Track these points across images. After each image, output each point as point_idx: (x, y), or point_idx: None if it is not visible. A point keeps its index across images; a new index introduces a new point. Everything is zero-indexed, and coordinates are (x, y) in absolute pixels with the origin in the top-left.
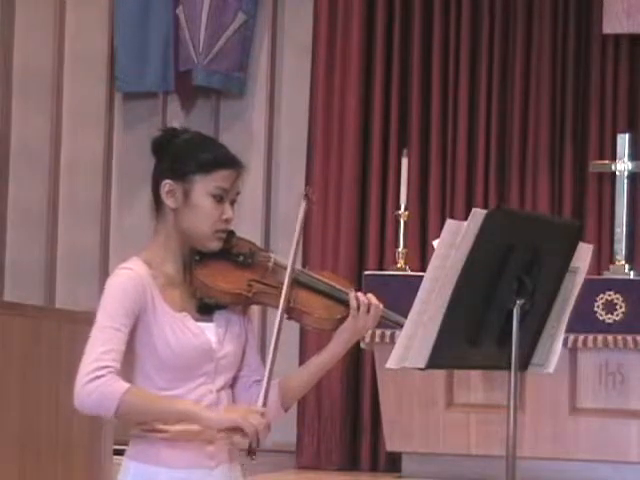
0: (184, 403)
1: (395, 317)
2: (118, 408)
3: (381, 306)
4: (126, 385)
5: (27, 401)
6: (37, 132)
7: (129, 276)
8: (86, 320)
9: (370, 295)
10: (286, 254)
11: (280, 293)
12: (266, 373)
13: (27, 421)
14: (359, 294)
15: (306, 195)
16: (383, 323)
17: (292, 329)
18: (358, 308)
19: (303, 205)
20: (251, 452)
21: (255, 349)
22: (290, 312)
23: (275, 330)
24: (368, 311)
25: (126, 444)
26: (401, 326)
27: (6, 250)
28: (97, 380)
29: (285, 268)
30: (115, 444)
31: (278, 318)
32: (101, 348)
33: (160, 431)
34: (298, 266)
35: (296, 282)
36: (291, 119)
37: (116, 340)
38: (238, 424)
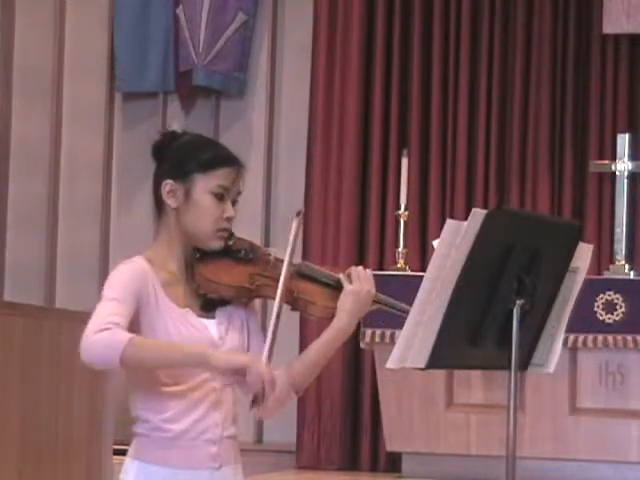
0: (190, 346)
1: (392, 301)
2: (123, 354)
3: (368, 270)
4: (131, 334)
5: (27, 401)
6: (37, 132)
7: (132, 267)
8: (86, 320)
9: (360, 267)
10: (285, 251)
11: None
12: (270, 329)
13: (27, 421)
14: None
15: (298, 213)
16: (381, 316)
17: (292, 320)
18: (349, 277)
19: (295, 223)
20: (255, 401)
21: (260, 342)
22: (294, 303)
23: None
24: (360, 277)
25: (126, 444)
26: (399, 310)
27: (6, 250)
28: (103, 332)
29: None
30: (115, 444)
31: (278, 297)
32: (108, 311)
33: (164, 430)
34: (298, 260)
35: (298, 274)
36: (291, 119)
37: (122, 309)
38: (245, 366)
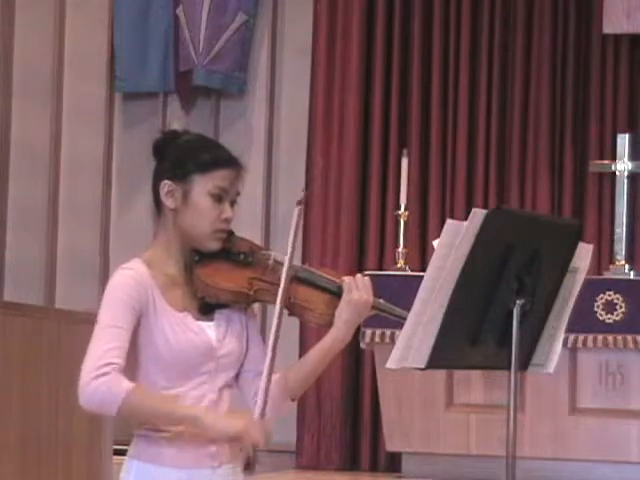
0: (187, 408)
1: (390, 307)
2: (121, 408)
3: (367, 278)
4: (130, 385)
5: (27, 401)
6: (37, 132)
7: (130, 276)
8: (86, 320)
9: (358, 275)
10: (285, 252)
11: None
12: (263, 379)
13: (27, 421)
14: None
15: (299, 202)
16: (381, 317)
17: (292, 326)
18: (348, 286)
19: (296, 211)
20: (248, 466)
21: (259, 344)
22: (291, 308)
23: (272, 332)
24: (358, 286)
25: (126, 444)
26: (397, 316)
27: (6, 250)
28: (101, 377)
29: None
30: (115, 444)
31: (274, 325)
32: (105, 346)
33: (163, 430)
34: (298, 263)
35: (296, 278)
36: (291, 119)
37: (119, 338)
38: (239, 435)
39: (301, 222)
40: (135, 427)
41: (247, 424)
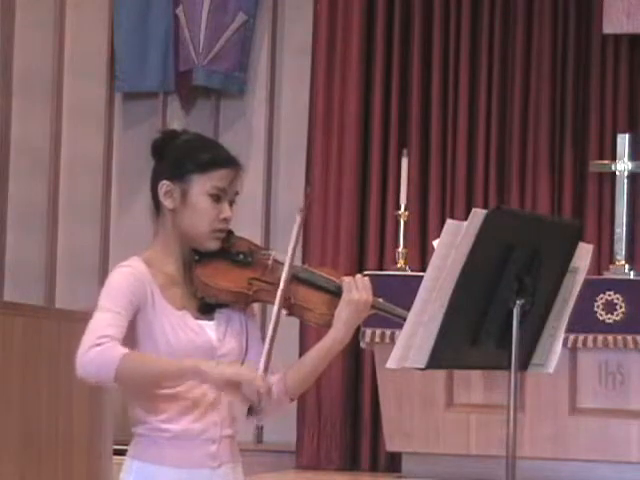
0: (185, 360)
1: (390, 307)
2: (118, 371)
3: (366, 278)
4: (125, 350)
5: (27, 401)
6: (37, 132)
7: (129, 272)
8: (86, 320)
9: (358, 275)
10: (285, 252)
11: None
12: (267, 339)
13: (27, 421)
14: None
15: (301, 209)
16: (381, 316)
17: (291, 325)
18: (347, 286)
19: (298, 219)
20: (251, 411)
21: (259, 344)
22: (291, 309)
23: (275, 310)
24: (357, 286)
25: (126, 444)
26: (396, 316)
27: (6, 250)
28: (98, 347)
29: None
30: (115, 444)
31: (276, 305)
32: (104, 323)
33: (163, 430)
34: (298, 263)
35: (296, 278)
36: (291, 119)
37: (117, 320)
38: (239, 378)
39: (301, 229)
40: (136, 425)
41: (248, 370)
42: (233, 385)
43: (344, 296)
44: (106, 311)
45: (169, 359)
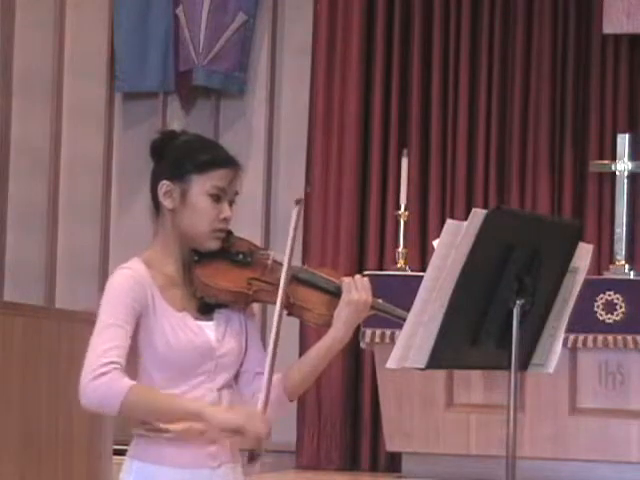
0: (189, 402)
1: (389, 308)
2: (122, 406)
3: (366, 279)
4: (130, 383)
5: (27, 401)
6: (37, 132)
7: (129, 275)
8: (86, 320)
9: (357, 275)
10: (285, 253)
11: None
12: (265, 376)
13: (27, 421)
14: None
15: (298, 201)
16: (381, 317)
17: (292, 325)
18: (347, 286)
19: (295, 211)
20: (253, 458)
21: (258, 344)
22: (290, 309)
23: (273, 332)
24: (357, 287)
25: (126, 444)
26: (396, 316)
27: (6, 250)
28: (102, 377)
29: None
30: (115, 444)
31: (275, 322)
32: (105, 345)
33: (163, 430)
34: (298, 263)
35: (295, 279)
36: (291, 119)
37: (120, 336)
38: (241, 428)
39: (300, 222)
40: (135, 426)
41: (250, 416)
42: (237, 434)
43: (344, 296)
44: (108, 327)
45: (174, 398)
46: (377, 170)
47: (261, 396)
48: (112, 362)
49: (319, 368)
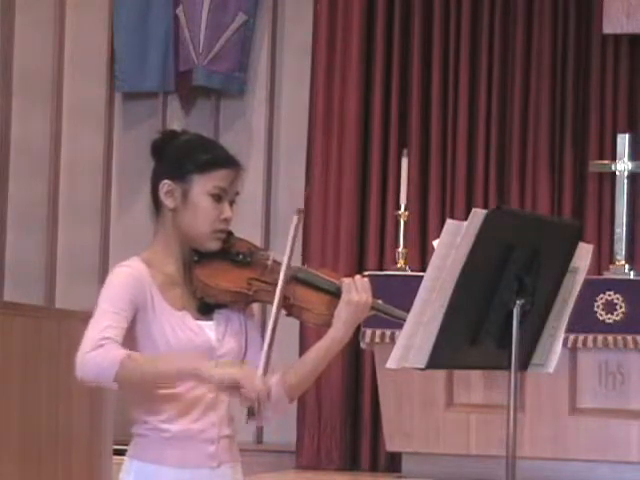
0: (185, 362)
1: (389, 308)
2: (118, 372)
3: (366, 279)
4: (125, 351)
5: (27, 401)
6: (37, 132)
7: (128, 273)
8: (86, 320)
9: (357, 276)
10: (284, 253)
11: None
12: (266, 341)
13: (27, 421)
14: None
15: (298, 212)
16: (380, 318)
17: (292, 326)
18: (347, 286)
19: (295, 220)
20: (252, 412)
21: (257, 344)
22: (290, 309)
23: (273, 312)
24: (357, 287)
25: (126, 444)
26: (395, 317)
27: (6, 250)
28: (98, 348)
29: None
30: (115, 444)
31: (274, 308)
32: (104, 324)
33: (162, 430)
34: (297, 264)
35: (295, 279)
36: (291, 119)
37: (117, 320)
38: (240, 381)
39: (300, 230)
40: (135, 425)
41: (248, 372)
42: (232, 387)
43: (343, 297)
44: (106, 312)
45: (169, 359)
46: (377, 170)
47: (261, 361)
48: (107, 337)
49: (319, 368)
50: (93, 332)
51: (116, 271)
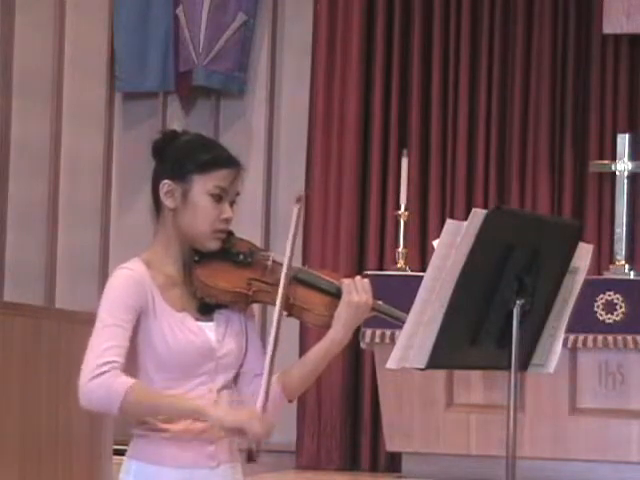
0: (189, 401)
1: (389, 309)
2: (122, 405)
3: (366, 280)
4: (130, 381)
5: (27, 401)
6: (37, 132)
7: (129, 275)
8: (86, 320)
9: (357, 277)
10: (285, 253)
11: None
12: (265, 374)
13: (27, 421)
14: (347, 278)
15: (298, 199)
16: (380, 319)
17: (292, 327)
18: (347, 288)
19: (295, 210)
20: (251, 457)
21: (257, 345)
22: (290, 309)
23: (273, 332)
24: (357, 289)
25: (126, 444)
26: (395, 318)
27: (6, 250)
28: (101, 376)
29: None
30: (115, 444)
31: (275, 320)
32: (104, 344)
33: (162, 430)
34: (298, 264)
35: (295, 279)
36: (291, 119)
37: (119, 336)
38: (242, 427)
39: (301, 222)
40: (135, 425)
41: (249, 416)
42: (237, 433)
43: (344, 298)
44: (108, 326)
45: (175, 396)
46: (377, 170)
47: (260, 395)
48: (110, 361)
49: (318, 369)
50: (94, 355)
51: (116, 274)
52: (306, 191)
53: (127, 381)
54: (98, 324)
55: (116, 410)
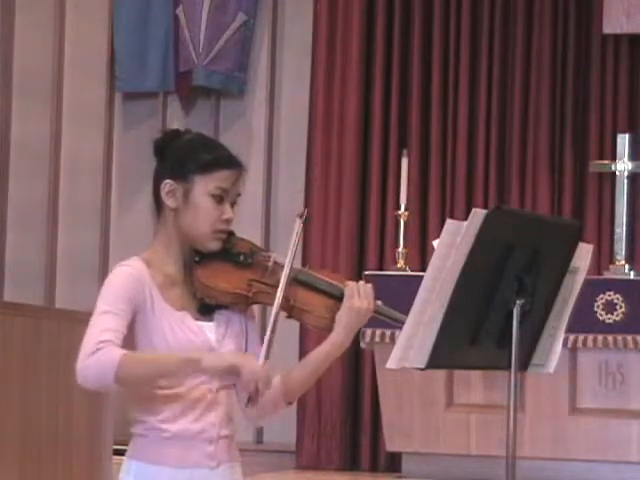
0: (183, 354)
1: (390, 312)
2: (117, 373)
3: (369, 285)
4: (124, 351)
5: (27, 401)
6: (37, 132)
7: (128, 272)
8: (86, 320)
9: (361, 282)
10: (285, 254)
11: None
12: (268, 329)
13: (27, 421)
14: (350, 282)
15: (301, 215)
16: (379, 319)
17: (292, 328)
18: (349, 291)
19: (298, 222)
20: (250, 400)
21: (257, 346)
22: (290, 311)
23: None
24: (360, 293)
25: (126, 444)
26: (396, 320)
27: (6, 250)
28: (96, 353)
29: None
30: (115, 444)
31: (274, 309)
32: (101, 328)
33: (162, 430)
34: (298, 266)
35: (296, 281)
36: (291, 119)
37: (116, 321)
38: (237, 366)
39: (301, 235)
40: (135, 425)
41: (247, 358)
42: (233, 373)
43: (345, 301)
44: (104, 313)
45: (167, 355)
46: (377, 170)
47: (263, 347)
48: (106, 340)
49: (318, 372)
50: (91, 336)
51: (116, 270)
52: (307, 209)
53: (120, 351)
54: (95, 314)
55: (112, 380)
